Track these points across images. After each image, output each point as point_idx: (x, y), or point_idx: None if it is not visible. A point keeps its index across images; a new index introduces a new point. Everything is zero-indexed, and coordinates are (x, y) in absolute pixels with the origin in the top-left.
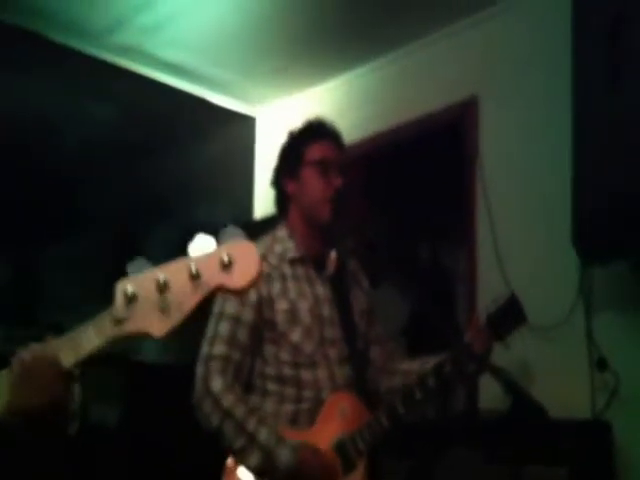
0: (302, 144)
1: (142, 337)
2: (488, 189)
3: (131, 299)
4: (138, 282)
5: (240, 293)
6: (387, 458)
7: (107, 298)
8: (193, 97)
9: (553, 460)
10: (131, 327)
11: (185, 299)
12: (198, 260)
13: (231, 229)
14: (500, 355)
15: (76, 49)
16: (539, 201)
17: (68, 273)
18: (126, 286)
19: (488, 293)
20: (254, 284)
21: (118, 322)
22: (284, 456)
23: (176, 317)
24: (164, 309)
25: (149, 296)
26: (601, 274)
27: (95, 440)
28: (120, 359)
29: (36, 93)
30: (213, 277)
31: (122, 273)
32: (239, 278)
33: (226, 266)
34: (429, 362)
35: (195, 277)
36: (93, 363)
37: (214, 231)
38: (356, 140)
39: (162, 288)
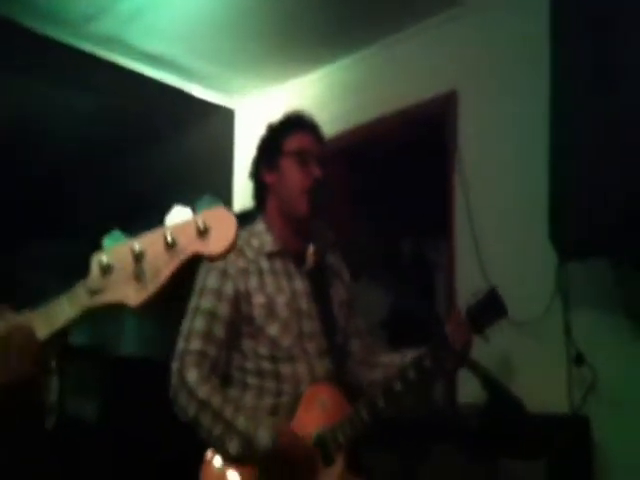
0: (281, 135)
1: (118, 307)
2: (467, 183)
3: (106, 269)
4: (113, 253)
5: (216, 259)
6: (366, 452)
7: None
8: (172, 88)
9: (531, 454)
10: (107, 297)
11: (161, 267)
12: (174, 228)
13: (208, 198)
14: (478, 349)
15: (54, 38)
16: (517, 195)
17: (48, 271)
18: (101, 257)
19: (466, 286)
20: (231, 250)
21: (93, 293)
22: (263, 439)
23: (152, 286)
24: (140, 278)
25: (125, 266)
26: (578, 270)
27: (74, 434)
28: (98, 353)
29: (12, 83)
30: (189, 244)
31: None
32: (215, 244)
33: (202, 233)
34: (409, 355)
35: (171, 245)
36: (71, 357)
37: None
38: (337, 133)
39: (138, 257)
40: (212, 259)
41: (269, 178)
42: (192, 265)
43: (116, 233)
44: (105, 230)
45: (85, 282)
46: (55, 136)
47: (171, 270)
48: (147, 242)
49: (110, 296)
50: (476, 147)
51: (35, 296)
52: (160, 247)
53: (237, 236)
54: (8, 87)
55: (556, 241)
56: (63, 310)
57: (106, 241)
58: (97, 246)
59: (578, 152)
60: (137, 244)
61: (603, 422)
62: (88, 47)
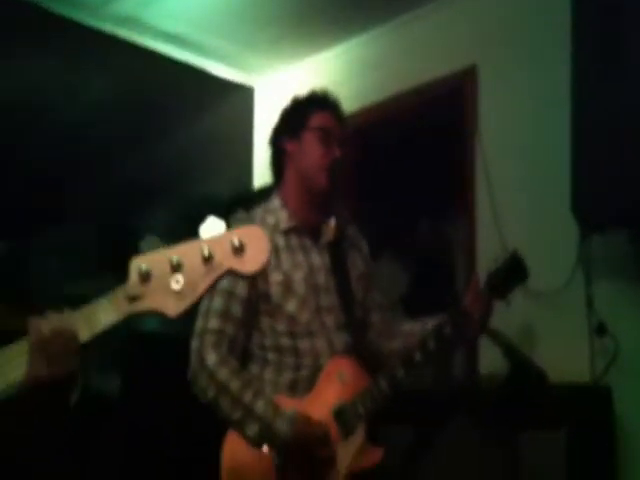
0: (306, 110)
1: (154, 315)
2: (487, 158)
3: (145, 277)
4: (152, 260)
5: (250, 276)
6: (386, 426)
7: (105, 281)
8: (191, 68)
9: (552, 425)
10: (146, 305)
11: (198, 281)
12: (210, 242)
13: (241, 214)
14: (500, 320)
15: (73, 19)
16: (538, 169)
17: (65, 255)
18: (140, 264)
19: (487, 261)
20: (264, 268)
21: (133, 299)
22: (281, 427)
23: (190, 299)
24: (179, 290)
25: (163, 275)
26: (600, 241)
27: (97, 410)
28: (121, 329)
29: (30, 64)
30: (225, 260)
31: (123, 253)
32: (250, 263)
33: (237, 250)
34: (429, 323)
35: (207, 259)
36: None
37: (214, 203)
38: (354, 110)
39: (175, 268)
40: (245, 276)
41: (290, 146)
42: None
43: (152, 238)
44: (124, 213)
45: (125, 287)
46: (73, 118)
47: (208, 284)
48: (184, 253)
49: (149, 304)
50: (497, 121)
51: (43, 284)
52: (197, 260)
53: (270, 255)
54: (26, 68)
55: (578, 213)
56: (106, 315)
57: (142, 246)
58: (120, 231)
59: (601, 125)
60: (174, 255)
61: (625, 392)
62: (107, 28)
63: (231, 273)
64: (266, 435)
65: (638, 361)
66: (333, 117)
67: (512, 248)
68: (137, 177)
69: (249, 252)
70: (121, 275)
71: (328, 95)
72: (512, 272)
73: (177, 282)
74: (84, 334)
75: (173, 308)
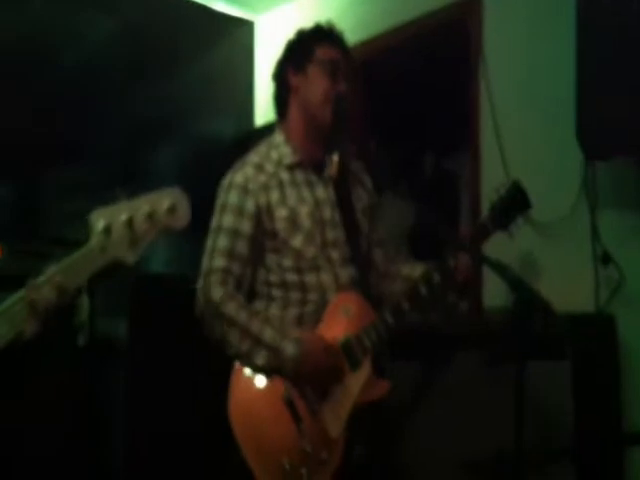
0: (312, 42)
1: (114, 265)
2: (491, 89)
3: (107, 230)
4: (109, 216)
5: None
6: (391, 361)
7: None
8: (191, 3)
9: (557, 355)
10: (112, 255)
11: (145, 235)
12: (151, 202)
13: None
14: (505, 250)
15: None
16: (543, 98)
17: (71, 192)
18: (99, 218)
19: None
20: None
21: (102, 250)
22: (289, 348)
23: (140, 248)
24: (132, 241)
25: (120, 229)
26: (605, 169)
27: (105, 352)
28: (126, 271)
29: (28, 4)
30: (162, 217)
31: (126, 189)
32: (180, 220)
33: (170, 209)
34: (431, 265)
35: (150, 216)
36: (100, 277)
37: (217, 141)
38: (357, 42)
39: (128, 223)
40: (174, 231)
41: (294, 80)
42: None
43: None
44: (128, 152)
45: (93, 240)
46: (73, 57)
47: (152, 237)
48: (132, 210)
49: (114, 254)
50: (501, 51)
51: (55, 221)
52: (142, 216)
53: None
54: (25, 7)
55: (583, 140)
56: (89, 264)
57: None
58: (119, 171)
59: (606, 51)
60: (126, 212)
61: (629, 320)
62: None
63: (166, 228)
64: (275, 361)
65: None
66: (339, 50)
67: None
68: (137, 115)
69: (179, 212)
70: None
71: (334, 28)
72: (513, 202)
73: (131, 235)
74: (72, 286)
75: (130, 258)
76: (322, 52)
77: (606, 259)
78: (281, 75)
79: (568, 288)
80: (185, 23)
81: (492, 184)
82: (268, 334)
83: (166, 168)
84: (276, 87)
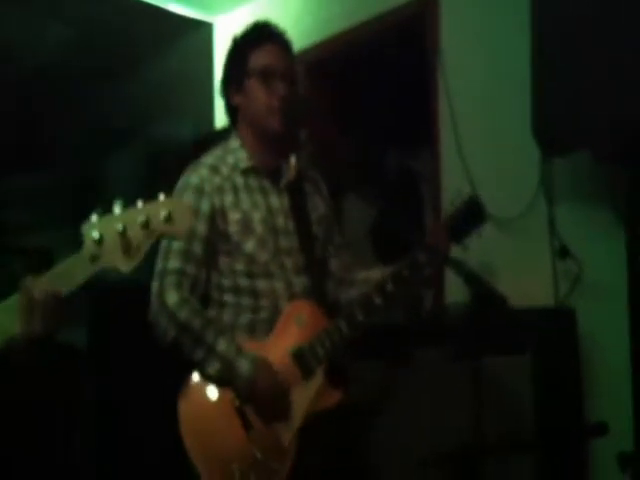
0: (246, 50)
1: (112, 270)
2: (449, 88)
3: (99, 241)
4: (101, 227)
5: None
6: (353, 362)
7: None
8: (149, 6)
9: (518, 349)
10: (104, 262)
11: (140, 244)
12: (147, 211)
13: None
14: (463, 247)
15: None
16: (501, 94)
17: (27, 200)
18: (92, 230)
19: (452, 192)
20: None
21: (94, 258)
22: (243, 367)
23: (137, 257)
24: (126, 250)
25: (113, 239)
26: (562, 164)
27: (64, 359)
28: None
29: None
30: (158, 226)
31: (83, 199)
32: (178, 228)
33: (167, 218)
34: (387, 271)
35: (145, 225)
36: None
37: (176, 143)
38: (317, 41)
39: (121, 233)
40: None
41: (236, 99)
42: None
43: (98, 210)
44: (85, 158)
45: (84, 249)
46: (26, 63)
47: (148, 246)
48: (126, 220)
49: (107, 262)
50: (458, 49)
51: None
52: (137, 226)
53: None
54: None
55: (539, 136)
56: (80, 271)
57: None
58: (75, 177)
59: (560, 46)
60: (119, 222)
61: (589, 314)
62: None
63: (163, 236)
64: (227, 373)
65: (601, 282)
66: (275, 50)
67: (474, 175)
68: (93, 120)
69: (177, 219)
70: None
71: (267, 27)
72: (469, 217)
73: (124, 244)
74: (63, 291)
75: (125, 265)
76: (256, 59)
77: (564, 253)
78: (224, 94)
79: (528, 282)
80: (142, 26)
81: (452, 182)
82: (222, 345)
83: (123, 173)
84: (224, 106)
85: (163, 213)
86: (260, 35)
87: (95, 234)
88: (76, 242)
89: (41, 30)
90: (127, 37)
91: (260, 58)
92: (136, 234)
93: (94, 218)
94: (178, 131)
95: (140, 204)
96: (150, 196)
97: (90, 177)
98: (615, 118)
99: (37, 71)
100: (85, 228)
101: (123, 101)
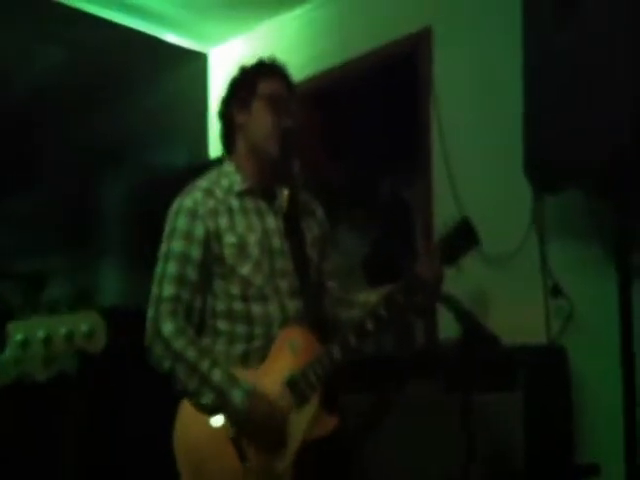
0: (255, 78)
1: (26, 378)
2: (442, 121)
3: (24, 344)
4: (27, 330)
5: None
6: (344, 392)
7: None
8: (144, 36)
9: (509, 386)
10: (26, 369)
11: (61, 353)
12: (71, 323)
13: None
14: (456, 283)
15: None
16: (493, 131)
17: (18, 225)
18: (17, 332)
19: (443, 223)
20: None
21: (17, 362)
22: (237, 398)
23: (54, 369)
24: (47, 360)
25: (37, 345)
26: (554, 202)
27: (55, 385)
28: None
29: None
30: (79, 339)
31: (75, 224)
32: (96, 344)
33: (88, 334)
34: (382, 293)
35: (67, 337)
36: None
37: (170, 172)
38: (310, 75)
39: (45, 341)
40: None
41: (240, 118)
42: None
43: (25, 312)
44: (77, 183)
45: (9, 350)
46: (22, 87)
47: (66, 359)
48: (50, 327)
49: (26, 369)
50: (451, 83)
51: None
52: (60, 337)
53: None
54: None
55: (531, 174)
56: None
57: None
58: (67, 202)
59: (552, 85)
60: (44, 329)
61: (580, 351)
62: None
63: (81, 350)
64: (221, 404)
65: (593, 320)
66: (282, 84)
67: (466, 212)
68: (87, 146)
69: (96, 336)
70: (72, 253)
71: (276, 62)
72: (461, 238)
73: (48, 354)
74: None
75: (41, 376)
76: (265, 87)
77: (556, 291)
78: (226, 113)
79: (520, 320)
80: (139, 55)
81: (444, 216)
82: (217, 376)
83: (116, 199)
84: (222, 125)
85: (84, 327)
86: (269, 67)
87: (20, 337)
88: (67, 269)
89: (38, 54)
90: (124, 65)
91: (270, 87)
92: (59, 345)
93: (19, 321)
94: (172, 159)
95: (64, 312)
96: (143, 223)
97: (82, 202)
98: (603, 157)
99: (32, 95)
100: (10, 328)
101: (117, 128)
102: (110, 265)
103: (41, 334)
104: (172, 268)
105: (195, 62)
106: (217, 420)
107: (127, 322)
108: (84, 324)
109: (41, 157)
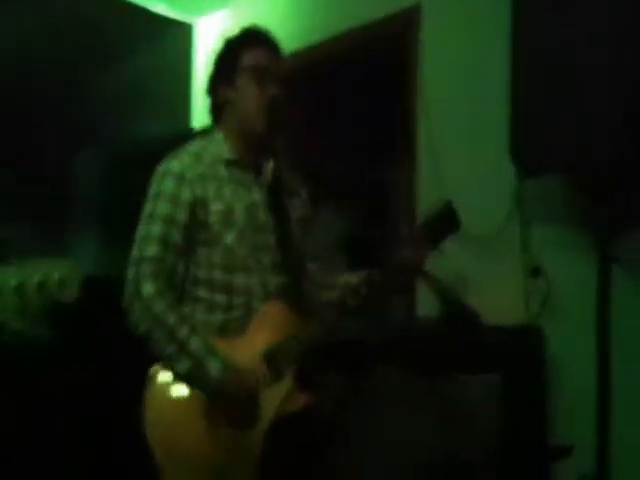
0: (238, 50)
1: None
2: (428, 103)
3: None
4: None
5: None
6: (317, 373)
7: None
8: (130, 5)
9: (486, 366)
10: (0, 317)
11: (34, 303)
12: (42, 273)
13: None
14: (437, 264)
15: None
16: (478, 114)
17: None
18: None
19: (426, 207)
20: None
21: None
22: (214, 369)
23: (28, 319)
24: (21, 310)
25: (9, 295)
26: (535, 185)
27: (29, 356)
28: None
29: None
30: (53, 289)
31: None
32: (69, 295)
33: (60, 283)
34: (363, 274)
35: (40, 286)
36: None
37: (151, 144)
38: (299, 48)
39: (17, 289)
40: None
41: (228, 93)
42: None
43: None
44: (62, 155)
45: None
46: (5, 56)
47: (39, 309)
48: (23, 276)
49: (2, 316)
50: (438, 64)
51: None
52: (33, 286)
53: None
54: None
55: (516, 157)
56: None
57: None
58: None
59: (539, 69)
60: (16, 277)
61: (556, 332)
62: None
63: (56, 300)
64: (197, 373)
65: (570, 302)
66: (267, 53)
67: (450, 194)
68: (73, 116)
69: (68, 285)
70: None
71: (261, 31)
72: (444, 222)
73: (20, 302)
74: None
75: (17, 325)
76: (249, 58)
77: (536, 273)
78: (213, 90)
79: (499, 300)
80: (123, 24)
81: (428, 198)
82: (195, 344)
83: (96, 171)
84: (210, 102)
85: (57, 275)
86: (253, 37)
87: None
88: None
89: (18, 24)
90: (108, 34)
91: (252, 57)
92: (31, 295)
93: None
94: (154, 129)
95: (36, 261)
96: (123, 195)
97: (60, 171)
98: (587, 143)
99: (16, 63)
100: None
101: (99, 99)
102: (86, 236)
103: (13, 282)
104: (156, 229)
105: (180, 33)
106: (180, 390)
107: (102, 290)
108: (57, 272)
109: (14, 128)
